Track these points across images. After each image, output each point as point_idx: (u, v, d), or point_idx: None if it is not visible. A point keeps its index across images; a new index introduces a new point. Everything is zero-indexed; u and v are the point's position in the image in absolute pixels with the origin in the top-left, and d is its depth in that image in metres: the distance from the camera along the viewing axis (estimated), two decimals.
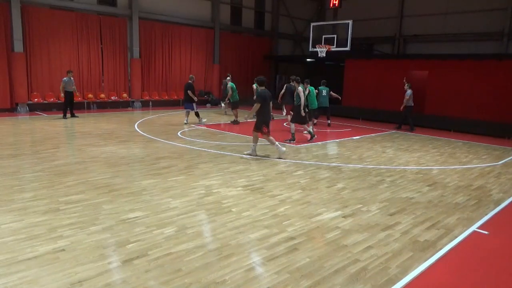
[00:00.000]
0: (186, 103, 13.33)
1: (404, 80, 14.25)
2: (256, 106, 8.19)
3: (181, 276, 3.46)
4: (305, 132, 11.36)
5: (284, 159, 8.38)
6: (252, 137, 8.69)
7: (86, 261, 3.65)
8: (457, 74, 15.65)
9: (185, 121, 13.39)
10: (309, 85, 12.24)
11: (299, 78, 10.91)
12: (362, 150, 9.98)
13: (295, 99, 10.49)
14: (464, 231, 4.84)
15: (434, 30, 20.27)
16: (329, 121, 14.45)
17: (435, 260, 4.01)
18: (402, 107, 13.95)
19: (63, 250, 3.86)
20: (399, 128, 14.33)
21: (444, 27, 19.92)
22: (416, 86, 16.13)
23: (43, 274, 3.39)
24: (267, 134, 8.37)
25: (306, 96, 12.04)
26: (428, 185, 6.86)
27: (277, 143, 8.45)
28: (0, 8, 14.16)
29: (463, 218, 5.29)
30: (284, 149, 8.48)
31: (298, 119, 10.40)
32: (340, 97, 14.21)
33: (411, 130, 13.98)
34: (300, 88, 10.21)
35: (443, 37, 19.96)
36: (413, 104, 13.84)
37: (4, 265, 3.51)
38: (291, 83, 12.46)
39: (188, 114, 13.50)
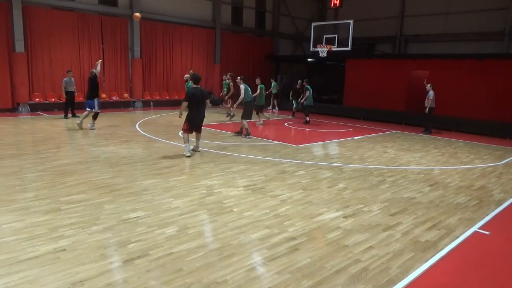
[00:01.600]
0: (88, 99, 11.27)
1: (425, 82, 13.76)
2: (184, 104, 8.16)
3: (182, 276, 3.46)
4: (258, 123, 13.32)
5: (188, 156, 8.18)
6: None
7: (87, 261, 3.65)
8: (458, 74, 15.63)
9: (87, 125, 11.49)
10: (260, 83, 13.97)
11: (243, 77, 11.57)
12: (363, 150, 9.98)
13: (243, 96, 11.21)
14: (465, 231, 4.83)
15: (435, 30, 20.26)
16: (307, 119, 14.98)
17: (436, 261, 4.00)
18: (426, 109, 13.41)
19: (64, 250, 3.86)
20: (429, 132, 13.54)
21: (445, 27, 19.91)
22: (417, 86, 16.14)
23: (44, 274, 3.40)
24: (184, 131, 8.30)
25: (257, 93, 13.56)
26: (430, 185, 6.86)
27: (187, 144, 8.29)
28: (1, 8, 14.18)
29: (464, 219, 5.28)
30: (188, 153, 8.24)
31: (246, 116, 10.98)
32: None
33: (428, 132, 13.53)
34: (242, 86, 11.12)
35: (444, 37, 19.95)
36: (434, 106, 13.37)
37: (6, 265, 3.52)
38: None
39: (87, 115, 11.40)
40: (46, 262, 3.60)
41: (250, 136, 10.88)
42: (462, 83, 15.49)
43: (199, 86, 8.26)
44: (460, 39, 19.37)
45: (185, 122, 8.28)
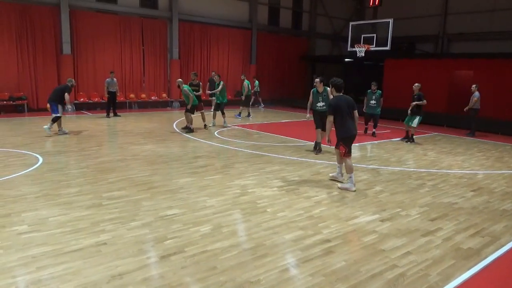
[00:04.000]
0: (53, 104, 10.33)
1: (474, 87, 12.68)
2: (330, 119, 6.33)
3: (216, 274, 3.51)
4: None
5: (351, 190, 6.26)
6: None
7: (126, 255, 3.78)
8: (504, 74, 14.82)
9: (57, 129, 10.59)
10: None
11: (322, 78, 8.90)
12: (401, 152, 9.68)
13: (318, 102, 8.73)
14: None
15: (481, 28, 19.31)
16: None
17: (480, 269, 3.81)
18: (466, 109, 12.55)
19: (105, 243, 4.02)
20: (473, 135, 12.81)
21: (491, 24, 18.93)
22: (460, 87, 15.45)
23: (86, 266, 3.55)
24: (345, 155, 6.33)
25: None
26: (473, 190, 6.54)
27: (352, 175, 6.27)
28: (51, 12, 15.00)
29: (510, 226, 4.99)
30: (349, 186, 6.29)
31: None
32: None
33: (472, 135, 12.86)
34: (329, 89, 7.81)
35: (490, 35, 18.98)
36: (479, 107, 12.51)
37: (51, 256, 3.72)
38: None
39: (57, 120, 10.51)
40: (88, 255, 3.76)
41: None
42: (509, 83, 14.67)
43: (342, 94, 6.45)
44: (507, 37, 18.34)
45: (339, 145, 6.36)
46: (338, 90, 6.45)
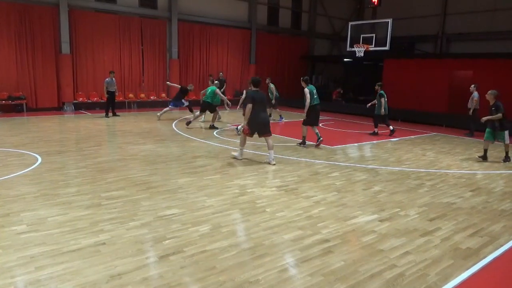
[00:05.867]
0: (176, 100, 14.35)
1: (473, 87, 12.75)
2: (248, 107, 7.81)
3: (215, 274, 3.51)
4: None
5: (240, 158, 8.04)
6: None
7: (125, 255, 3.78)
8: (505, 74, 14.83)
9: (201, 119, 13.58)
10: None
11: (308, 78, 9.85)
12: (400, 152, 9.69)
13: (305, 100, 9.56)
14: (511, 239, 4.58)
15: (481, 28, 19.33)
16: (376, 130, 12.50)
17: (478, 269, 3.82)
18: (471, 111, 12.58)
19: (104, 243, 4.02)
20: (471, 135, 12.78)
21: (491, 24, 18.95)
22: (460, 87, 15.47)
23: (85, 266, 3.55)
24: (246, 134, 8.02)
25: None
26: (471, 190, 6.55)
27: (241, 148, 8.14)
28: (50, 12, 14.98)
29: (509, 226, 5.00)
30: (236, 154, 8.17)
31: (311, 121, 9.75)
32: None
33: (471, 135, 12.83)
34: (307, 89, 9.45)
35: (490, 35, 18.99)
36: (478, 107, 12.45)
37: (50, 256, 3.71)
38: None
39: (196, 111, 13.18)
40: (87, 255, 3.76)
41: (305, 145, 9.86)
42: (508, 83, 14.68)
43: (258, 90, 8.02)
44: (507, 37, 18.36)
45: (246, 126, 8.02)
46: (255, 86, 7.99)
